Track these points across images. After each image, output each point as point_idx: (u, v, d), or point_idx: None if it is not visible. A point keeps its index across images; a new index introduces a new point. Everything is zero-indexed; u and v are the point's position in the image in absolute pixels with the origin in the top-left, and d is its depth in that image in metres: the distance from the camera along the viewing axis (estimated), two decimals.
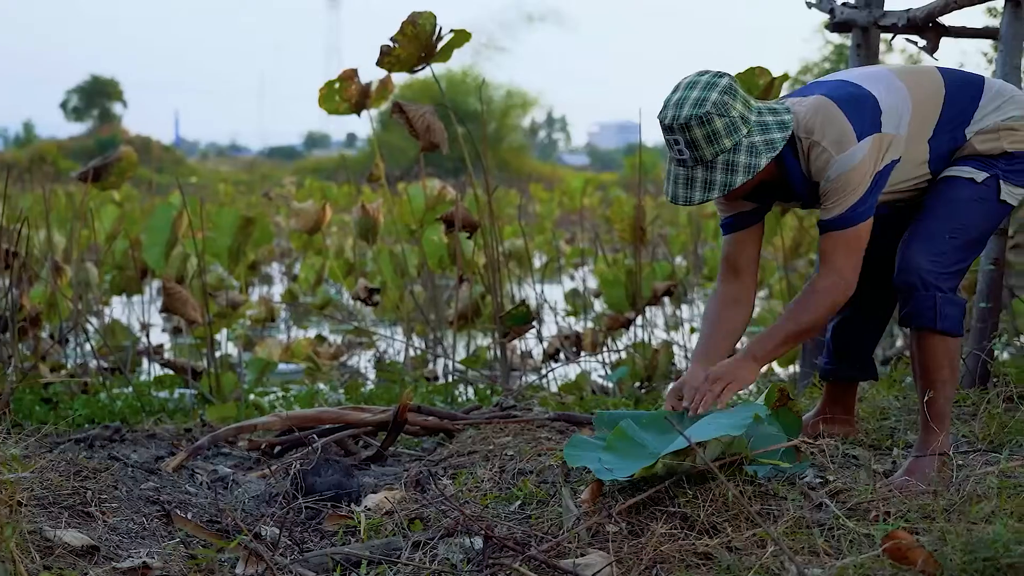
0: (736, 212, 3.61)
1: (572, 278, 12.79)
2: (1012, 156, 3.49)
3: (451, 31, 5.67)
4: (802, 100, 3.47)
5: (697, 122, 3.24)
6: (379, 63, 5.63)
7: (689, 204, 3.33)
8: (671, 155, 3.34)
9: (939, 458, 3.34)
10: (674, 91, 3.34)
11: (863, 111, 3.38)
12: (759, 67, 5.89)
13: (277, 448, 4.54)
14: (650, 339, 7.89)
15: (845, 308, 3.66)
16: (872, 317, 3.86)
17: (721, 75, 3.34)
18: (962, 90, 3.53)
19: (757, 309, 11.07)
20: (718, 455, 3.08)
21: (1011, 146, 3.49)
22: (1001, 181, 3.48)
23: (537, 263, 12.41)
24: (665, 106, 3.32)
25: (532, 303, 8.84)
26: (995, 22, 5.37)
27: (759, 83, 5.90)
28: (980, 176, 3.47)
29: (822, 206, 3.43)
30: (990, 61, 11.72)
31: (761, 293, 11.18)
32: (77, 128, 58.00)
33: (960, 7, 4.71)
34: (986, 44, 5.07)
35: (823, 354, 3.99)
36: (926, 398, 3.42)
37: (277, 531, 3.29)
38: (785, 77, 5.98)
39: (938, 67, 3.62)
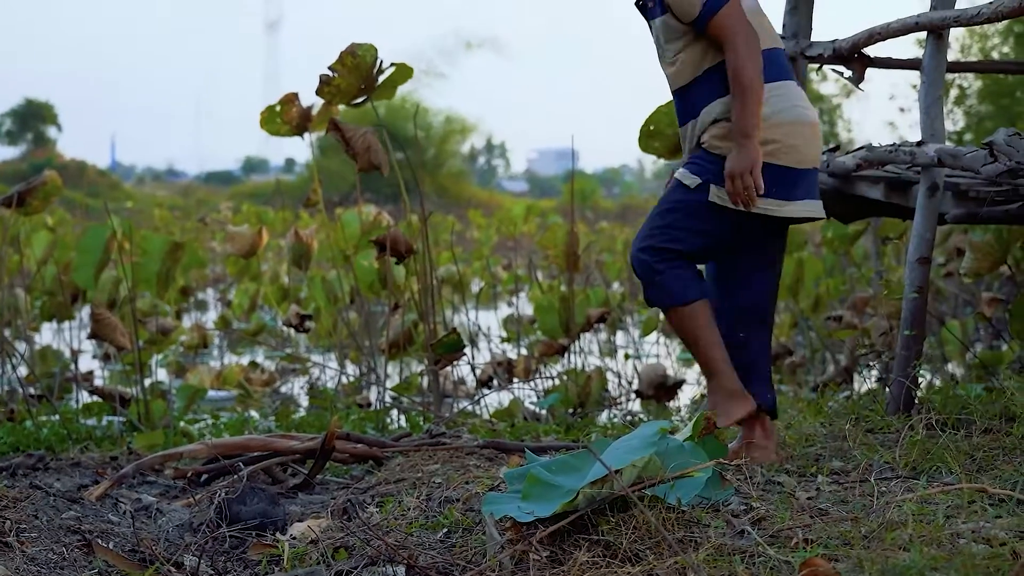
0: None
1: (509, 304, 12.81)
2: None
3: (392, 64, 5.65)
4: None
5: None
6: (318, 92, 5.61)
7: None
8: None
9: (722, 399, 3.90)
10: None
11: None
12: None
13: (203, 476, 4.50)
14: (583, 366, 7.91)
15: (731, 340, 4.00)
16: (748, 343, 4.07)
17: None
18: (768, 63, 3.86)
19: None
20: (635, 479, 3.08)
21: (728, 147, 3.83)
22: (712, 185, 3.86)
23: (475, 289, 12.41)
24: None
25: (466, 330, 8.83)
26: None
27: None
28: (693, 182, 3.89)
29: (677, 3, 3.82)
30: None
31: None
32: (11, 152, 57.27)
33: (884, 39, 4.78)
34: (914, 75, 5.14)
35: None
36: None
37: (198, 560, 3.26)
38: None
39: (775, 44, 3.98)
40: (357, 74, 5.55)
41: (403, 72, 5.70)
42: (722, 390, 3.94)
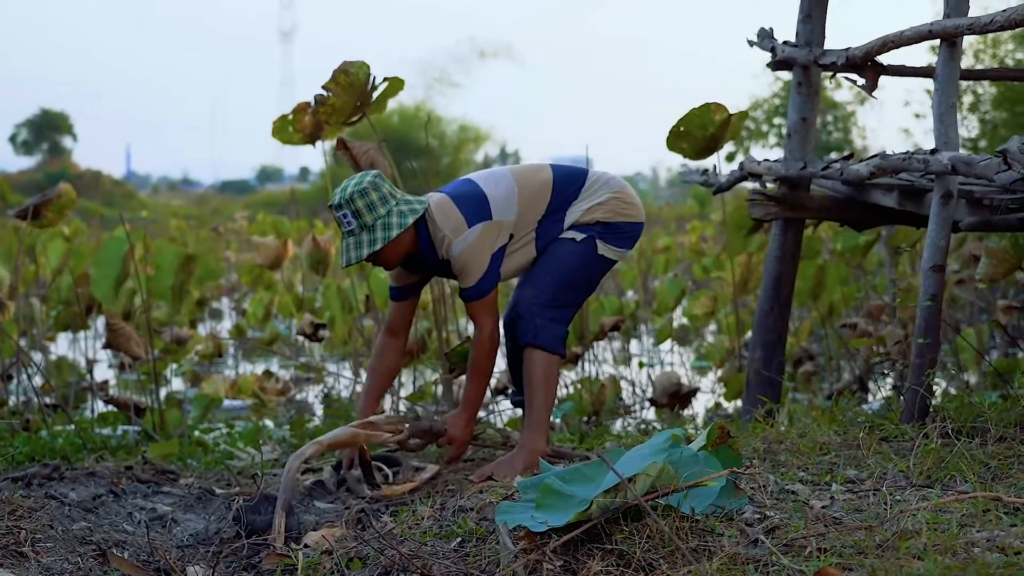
0: (401, 285, 4.64)
1: None
2: (606, 224, 4.50)
3: (384, 79, 5.64)
4: (431, 195, 4.44)
5: (358, 194, 4.24)
6: (315, 113, 5.62)
7: (359, 260, 4.20)
8: (342, 231, 4.26)
9: (531, 455, 4.33)
10: (337, 187, 4.34)
11: (473, 205, 4.35)
12: (715, 103, 5.93)
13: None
14: (597, 374, 7.90)
15: (514, 352, 4.67)
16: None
17: (370, 172, 4.33)
18: (567, 181, 4.52)
19: (708, 339, 11.14)
20: (649, 488, 3.08)
21: (603, 217, 4.50)
22: (597, 240, 4.48)
23: None
24: (333, 196, 4.30)
25: None
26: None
27: (715, 119, 5.94)
28: (579, 236, 4.49)
29: (460, 281, 4.38)
30: None
31: (710, 327, 11.25)
32: (26, 162, 57.45)
33: (897, 47, 4.77)
34: (929, 81, 5.15)
35: (512, 391, 4.91)
36: (528, 404, 4.44)
37: (211, 570, 3.26)
38: (744, 115, 6.02)
39: (551, 164, 4.59)
40: (351, 92, 5.54)
41: (395, 85, 5.70)
42: (536, 450, 4.39)
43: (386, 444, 4.51)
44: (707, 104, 5.98)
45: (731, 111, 6.00)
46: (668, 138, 6.08)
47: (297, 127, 6.18)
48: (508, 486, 3.90)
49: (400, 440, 4.48)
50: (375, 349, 4.77)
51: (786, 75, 6.07)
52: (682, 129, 6.03)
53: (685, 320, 10.34)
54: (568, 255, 4.46)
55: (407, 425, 4.50)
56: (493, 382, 7.61)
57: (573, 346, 7.72)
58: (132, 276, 7.03)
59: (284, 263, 8.67)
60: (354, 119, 5.68)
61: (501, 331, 4.56)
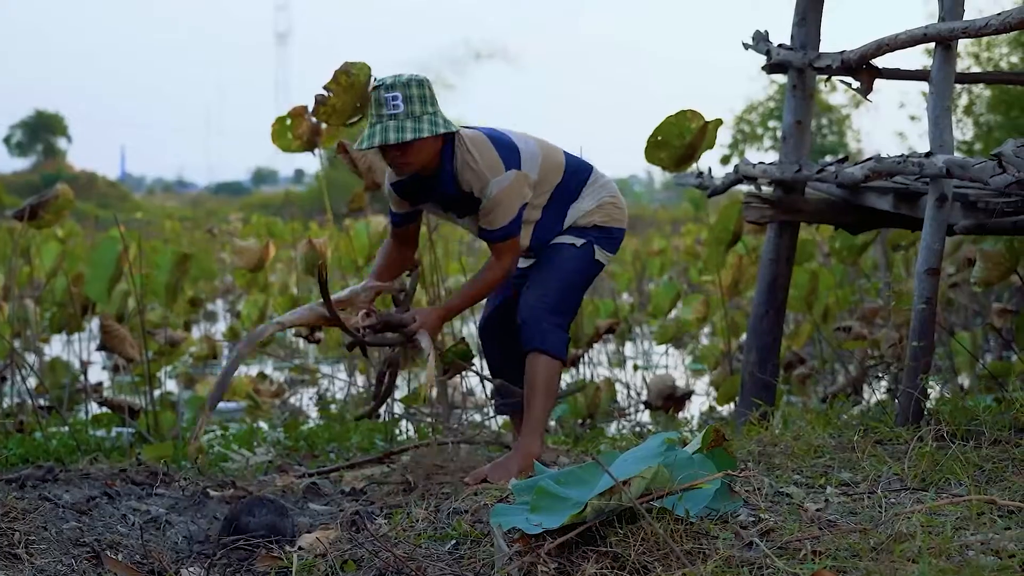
0: (403, 212, 4.55)
1: None
2: (601, 228, 4.54)
3: None
4: (463, 128, 4.35)
5: (416, 84, 4.16)
6: (314, 113, 5.61)
7: (396, 143, 4.10)
8: (380, 112, 4.14)
9: (526, 459, 4.26)
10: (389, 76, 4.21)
11: (508, 152, 4.30)
12: (690, 110, 5.91)
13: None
14: (592, 377, 7.90)
15: (496, 357, 4.79)
16: (516, 358, 4.59)
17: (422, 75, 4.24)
18: (576, 175, 4.53)
19: (703, 341, 11.13)
20: (644, 491, 3.08)
21: (600, 221, 4.54)
22: (595, 245, 4.52)
23: None
24: (384, 79, 4.19)
25: (475, 341, 8.82)
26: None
27: (691, 126, 5.93)
28: (579, 242, 4.51)
29: (483, 219, 4.31)
30: None
31: (705, 329, 11.25)
32: (21, 163, 57.42)
33: (892, 50, 4.77)
34: (925, 84, 5.15)
35: (497, 396, 4.85)
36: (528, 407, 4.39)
37: (205, 572, 3.26)
38: (719, 122, 6.00)
39: (564, 151, 4.56)
40: (352, 93, 5.53)
41: None
42: (532, 453, 4.33)
43: (353, 333, 4.40)
44: (682, 111, 5.93)
45: (708, 118, 5.95)
46: (646, 149, 6.02)
47: (295, 134, 6.17)
48: (503, 488, 3.90)
49: (370, 325, 4.38)
50: (390, 243, 4.67)
51: (781, 78, 6.07)
52: (659, 138, 5.96)
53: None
54: (569, 260, 4.48)
55: (377, 314, 4.39)
56: (487, 383, 7.60)
57: (569, 348, 7.71)
58: (126, 277, 7.02)
59: (268, 264, 8.64)
60: (354, 120, 5.68)
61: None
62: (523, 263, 4.64)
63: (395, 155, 4.21)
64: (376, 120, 4.15)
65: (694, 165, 6.23)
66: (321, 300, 4.26)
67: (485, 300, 4.78)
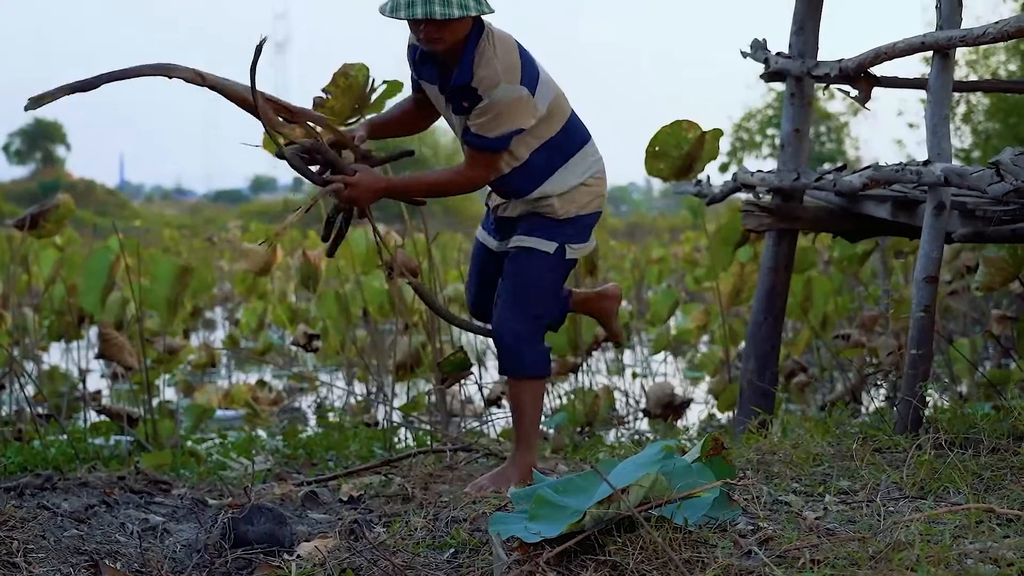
0: (413, 78, 4.34)
1: None
2: (576, 220, 4.27)
3: (384, 82, 5.65)
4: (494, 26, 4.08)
5: None
6: None
7: (446, 17, 3.81)
8: None
9: (524, 469, 4.22)
10: None
11: (529, 69, 4.04)
12: (687, 120, 5.92)
13: None
14: (591, 384, 7.90)
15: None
16: None
17: None
18: (577, 131, 4.28)
19: (702, 349, 11.12)
20: (642, 499, 3.08)
21: (578, 210, 4.26)
22: (567, 246, 4.25)
23: None
24: None
25: (473, 349, 8.83)
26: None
27: (688, 136, 5.93)
28: (551, 248, 4.23)
29: (474, 120, 4.03)
30: None
31: (704, 338, 11.25)
32: (20, 171, 57.44)
33: (890, 58, 4.78)
34: (922, 92, 5.18)
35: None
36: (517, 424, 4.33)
37: None
38: (719, 132, 6.01)
39: (572, 107, 4.29)
40: (351, 94, 5.51)
41: (394, 87, 5.70)
42: (528, 463, 4.28)
43: (275, 138, 4.20)
44: (679, 121, 5.95)
45: (706, 127, 5.97)
46: (645, 160, 6.05)
47: (288, 140, 6.15)
48: (501, 497, 3.90)
49: (303, 146, 4.17)
50: (397, 104, 4.61)
51: (779, 86, 6.10)
52: (657, 149, 5.98)
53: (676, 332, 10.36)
54: (544, 273, 4.27)
55: (319, 144, 4.17)
56: (486, 392, 7.61)
57: (568, 355, 7.72)
58: (124, 286, 7.02)
59: (273, 269, 8.65)
60: (352, 121, 5.68)
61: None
62: (497, 246, 4.45)
63: (431, 29, 3.91)
64: None
65: (692, 176, 6.24)
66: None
67: (466, 286, 4.65)
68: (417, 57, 4.20)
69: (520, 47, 4.08)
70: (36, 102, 3.62)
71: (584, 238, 4.34)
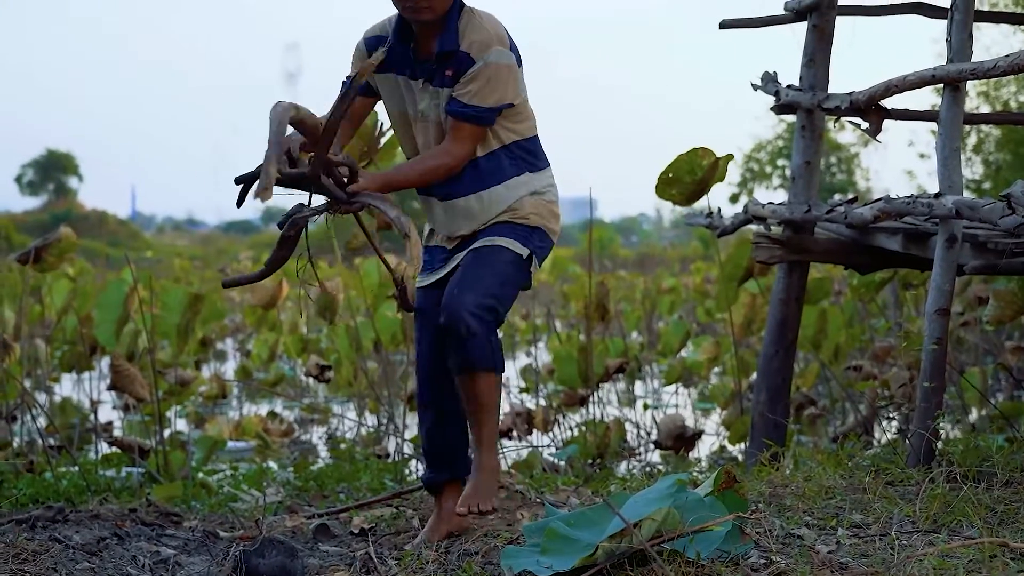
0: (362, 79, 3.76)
1: (527, 354, 12.80)
2: (542, 232, 4.00)
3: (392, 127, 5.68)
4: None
5: None
6: None
7: None
8: None
9: (494, 474, 3.85)
10: None
11: (515, 47, 3.87)
12: (702, 147, 5.95)
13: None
14: (602, 416, 7.89)
15: (429, 416, 4.11)
16: (456, 416, 4.08)
17: None
18: (542, 151, 4.06)
19: (713, 380, 11.10)
20: (655, 533, 3.08)
21: (549, 225, 4.01)
22: (535, 258, 3.96)
23: None
24: None
25: None
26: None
27: (702, 163, 5.96)
28: (524, 252, 3.92)
29: (463, 87, 3.79)
30: None
31: (715, 369, 11.24)
32: (32, 202, 57.70)
33: (901, 91, 4.79)
34: (933, 123, 5.20)
35: (425, 469, 4.23)
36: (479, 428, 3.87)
37: None
38: (730, 157, 6.06)
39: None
40: (359, 139, 5.52)
41: None
42: (494, 466, 3.90)
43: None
44: (694, 149, 5.99)
45: (717, 155, 6.03)
46: (657, 186, 6.09)
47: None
48: (513, 530, 3.89)
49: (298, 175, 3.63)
50: None
51: (790, 117, 6.13)
52: (671, 175, 6.02)
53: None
54: (514, 268, 3.91)
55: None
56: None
57: (578, 387, 7.71)
58: (136, 317, 7.04)
59: (280, 303, 8.68)
60: (362, 165, 5.70)
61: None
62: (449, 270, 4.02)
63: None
64: None
65: (705, 201, 6.27)
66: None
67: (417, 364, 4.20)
68: (382, 49, 3.81)
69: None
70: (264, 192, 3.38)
71: (541, 261, 4.05)
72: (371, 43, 3.98)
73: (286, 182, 3.62)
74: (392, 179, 3.89)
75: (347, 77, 3.97)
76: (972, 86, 15.99)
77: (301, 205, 3.73)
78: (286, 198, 3.78)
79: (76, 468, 6.02)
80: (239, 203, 3.78)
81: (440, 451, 4.14)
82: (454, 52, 3.81)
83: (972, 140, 16.73)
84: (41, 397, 8.62)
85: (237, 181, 3.77)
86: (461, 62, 3.81)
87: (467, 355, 3.76)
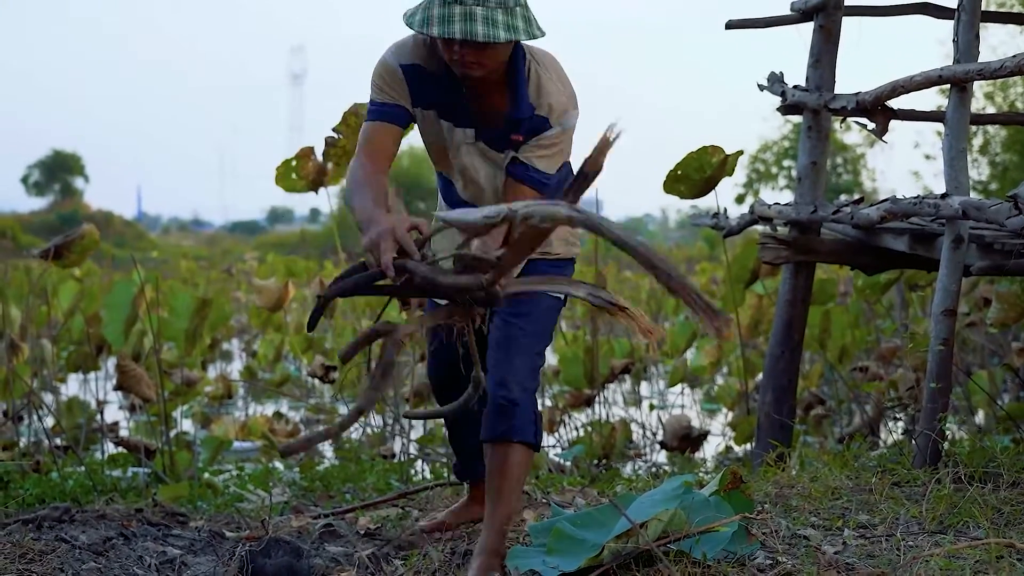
0: (395, 103, 3.48)
1: None
2: (571, 262, 3.76)
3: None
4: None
5: None
6: (325, 155, 5.63)
7: (489, 40, 3.15)
8: None
9: (494, 559, 3.36)
10: None
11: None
12: (712, 145, 5.97)
13: None
14: (608, 417, 7.89)
15: (447, 423, 4.13)
16: (474, 424, 3.66)
17: None
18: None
19: (719, 380, 11.09)
20: (661, 533, 3.08)
21: (569, 249, 3.72)
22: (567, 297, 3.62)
23: None
24: None
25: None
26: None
27: (712, 161, 5.97)
28: (561, 296, 3.60)
29: (535, 152, 3.41)
30: None
31: (721, 369, 11.24)
32: (38, 203, 57.83)
33: (907, 91, 4.79)
34: (939, 124, 5.21)
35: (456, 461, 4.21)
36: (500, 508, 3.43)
37: None
38: (739, 153, 6.07)
39: None
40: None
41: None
42: (500, 551, 3.42)
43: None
44: (704, 147, 6.01)
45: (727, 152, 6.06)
46: (665, 182, 6.10)
47: (300, 174, 6.20)
48: (519, 530, 3.89)
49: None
50: (359, 178, 3.39)
51: (796, 118, 6.10)
52: (679, 173, 6.05)
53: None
54: (552, 319, 3.65)
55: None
56: None
57: (584, 388, 7.71)
58: (143, 318, 7.05)
59: (286, 304, 8.68)
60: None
61: None
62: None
63: (467, 53, 3.24)
64: (459, 2, 3.17)
65: (711, 201, 6.28)
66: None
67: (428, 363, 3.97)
68: (422, 80, 3.46)
69: None
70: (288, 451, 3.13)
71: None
72: (409, 71, 3.46)
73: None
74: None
75: (371, 103, 3.50)
76: (979, 87, 15.98)
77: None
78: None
79: (82, 468, 6.03)
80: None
81: (465, 451, 4.10)
82: (531, 117, 3.41)
83: (978, 141, 16.72)
84: (47, 397, 8.62)
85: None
86: (536, 127, 3.42)
87: (508, 424, 3.43)
